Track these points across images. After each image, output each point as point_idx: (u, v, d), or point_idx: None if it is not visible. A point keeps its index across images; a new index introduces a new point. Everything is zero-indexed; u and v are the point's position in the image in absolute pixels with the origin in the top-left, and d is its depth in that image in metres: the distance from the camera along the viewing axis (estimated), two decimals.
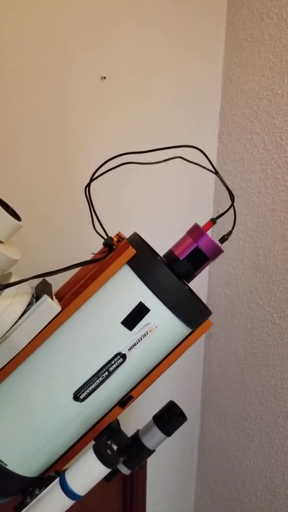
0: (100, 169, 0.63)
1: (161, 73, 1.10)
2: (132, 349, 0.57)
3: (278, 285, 1.09)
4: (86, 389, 0.57)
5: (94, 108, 1.01)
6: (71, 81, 0.97)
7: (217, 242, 0.62)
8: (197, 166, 0.65)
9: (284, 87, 1.02)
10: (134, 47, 1.04)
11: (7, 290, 0.57)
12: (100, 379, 0.57)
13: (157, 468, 1.39)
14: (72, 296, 0.61)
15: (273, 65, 1.04)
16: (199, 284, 1.31)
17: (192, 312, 0.59)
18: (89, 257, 0.66)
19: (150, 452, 0.67)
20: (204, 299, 1.34)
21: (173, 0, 1.07)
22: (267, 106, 1.07)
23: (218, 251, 0.62)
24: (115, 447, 0.59)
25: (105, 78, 1.00)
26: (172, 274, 0.57)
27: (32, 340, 0.57)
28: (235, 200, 1.15)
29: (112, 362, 0.57)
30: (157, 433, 0.67)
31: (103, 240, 0.64)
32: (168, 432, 0.67)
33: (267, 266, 1.12)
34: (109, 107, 1.03)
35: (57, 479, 0.57)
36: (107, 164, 0.63)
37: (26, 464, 0.60)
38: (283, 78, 1.02)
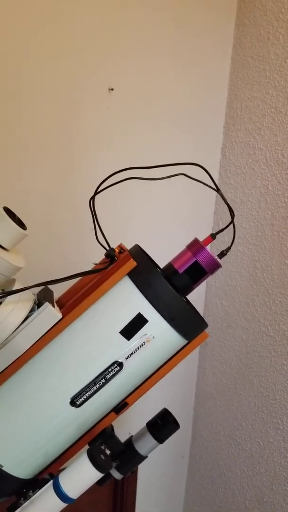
0: (104, 183, 0.64)
1: (168, 86, 1.12)
2: (129, 358, 0.59)
3: (274, 299, 1.11)
4: (83, 395, 0.59)
5: (101, 118, 1.03)
6: (79, 91, 0.99)
7: (215, 257, 0.63)
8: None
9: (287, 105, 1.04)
10: (141, 60, 1.06)
11: (10, 297, 0.59)
12: (97, 386, 0.59)
13: (148, 472, 1.40)
14: (73, 304, 0.62)
15: (278, 84, 1.06)
16: (197, 294, 1.32)
17: (189, 325, 0.61)
18: (90, 266, 0.68)
19: (142, 458, 0.68)
20: (201, 308, 1.36)
21: (182, 17, 1.10)
22: (270, 123, 1.09)
23: (216, 266, 0.63)
24: (108, 452, 0.61)
25: (112, 89, 1.03)
26: (171, 287, 0.59)
27: (32, 345, 0.58)
28: (235, 214, 1.17)
29: (109, 370, 0.59)
30: (150, 440, 0.68)
31: (105, 251, 0.66)
32: (160, 439, 0.68)
33: (264, 279, 1.14)
34: (116, 118, 1.05)
35: (51, 482, 0.58)
36: (111, 177, 0.65)
37: (21, 466, 0.62)
38: (286, 97, 1.04)
